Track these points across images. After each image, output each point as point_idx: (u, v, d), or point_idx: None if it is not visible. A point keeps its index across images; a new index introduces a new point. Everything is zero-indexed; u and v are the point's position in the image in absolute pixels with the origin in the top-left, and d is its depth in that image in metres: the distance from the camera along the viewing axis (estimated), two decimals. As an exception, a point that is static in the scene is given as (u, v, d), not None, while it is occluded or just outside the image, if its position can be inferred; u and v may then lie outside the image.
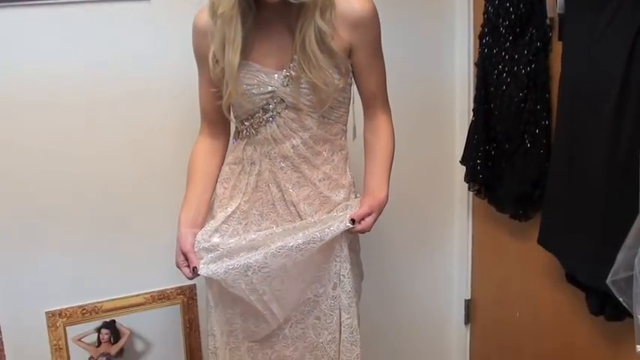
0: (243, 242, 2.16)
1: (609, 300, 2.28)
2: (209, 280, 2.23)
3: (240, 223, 2.22)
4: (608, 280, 1.99)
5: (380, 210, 2.17)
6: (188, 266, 2.18)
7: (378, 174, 2.22)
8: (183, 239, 2.20)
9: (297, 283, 2.19)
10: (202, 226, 2.24)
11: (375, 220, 2.15)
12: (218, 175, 2.30)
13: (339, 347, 2.28)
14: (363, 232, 2.14)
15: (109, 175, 2.68)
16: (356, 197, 2.26)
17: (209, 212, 2.27)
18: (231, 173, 2.26)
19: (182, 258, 2.20)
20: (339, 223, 2.10)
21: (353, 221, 2.09)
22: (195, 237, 2.20)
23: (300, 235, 2.11)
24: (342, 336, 2.26)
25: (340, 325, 2.25)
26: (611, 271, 1.98)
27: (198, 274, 2.15)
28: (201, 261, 2.16)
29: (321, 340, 2.27)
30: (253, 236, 2.17)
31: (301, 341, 2.28)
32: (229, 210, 2.23)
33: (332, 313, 2.24)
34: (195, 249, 2.18)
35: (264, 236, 2.16)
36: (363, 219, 2.12)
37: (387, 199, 2.19)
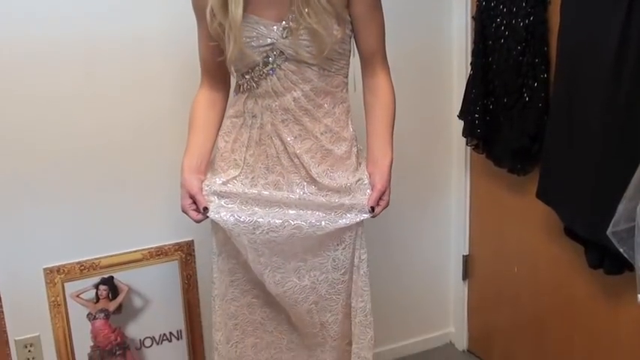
0: (256, 192, 2.18)
1: (608, 253, 2.32)
2: (215, 227, 2.24)
3: (247, 177, 2.22)
4: (609, 232, 2.01)
5: (389, 178, 2.23)
6: (196, 209, 2.19)
7: (380, 137, 2.24)
8: (188, 183, 2.20)
9: (295, 260, 2.24)
10: (205, 173, 2.25)
11: (389, 192, 2.22)
12: (219, 127, 2.30)
13: (341, 327, 2.35)
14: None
15: (107, 130, 2.66)
16: (359, 154, 2.27)
17: (210, 165, 2.27)
18: (232, 126, 2.25)
19: (189, 201, 2.20)
20: (357, 212, 2.17)
21: (372, 209, 2.17)
22: (200, 182, 2.21)
23: (318, 214, 2.16)
24: (356, 319, 2.30)
25: (352, 308, 2.30)
26: (612, 222, 2.01)
27: (207, 216, 2.17)
28: (211, 204, 2.18)
29: (320, 320, 2.33)
30: (266, 193, 2.18)
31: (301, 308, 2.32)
32: (234, 172, 2.23)
33: (336, 297, 2.30)
34: (204, 192, 2.20)
35: (280, 197, 2.18)
36: (379, 201, 2.19)
37: (393, 161, 2.23)
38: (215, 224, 2.21)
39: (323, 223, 2.15)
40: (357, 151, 2.26)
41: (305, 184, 2.19)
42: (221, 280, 2.32)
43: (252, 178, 2.21)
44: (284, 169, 2.19)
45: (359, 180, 2.22)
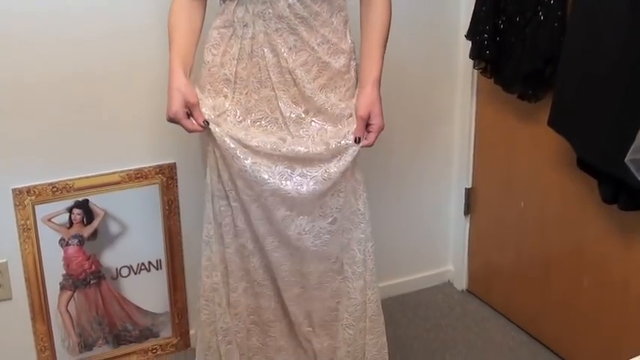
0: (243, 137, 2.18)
1: (624, 187, 2.32)
2: (210, 146, 2.24)
3: (242, 93, 2.18)
4: (627, 159, 2.02)
5: (377, 99, 2.21)
6: (189, 118, 2.18)
7: (368, 55, 2.22)
8: (187, 89, 2.16)
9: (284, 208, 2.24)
10: (191, 67, 2.22)
11: (380, 113, 2.22)
12: (199, 36, 2.25)
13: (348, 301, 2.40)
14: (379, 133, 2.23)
15: (82, 44, 2.60)
16: (358, 69, 2.26)
17: (196, 82, 2.23)
18: (220, 38, 2.19)
19: (184, 108, 2.16)
20: (349, 153, 2.20)
21: (358, 139, 2.18)
22: (195, 93, 2.19)
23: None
24: (368, 313, 2.39)
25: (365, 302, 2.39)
26: (631, 149, 2.01)
27: (205, 127, 2.16)
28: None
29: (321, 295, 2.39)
30: (254, 143, 2.17)
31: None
32: (224, 103, 2.20)
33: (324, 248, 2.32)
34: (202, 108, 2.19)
35: (272, 148, 2.17)
36: (364, 129, 2.21)
37: (379, 83, 2.21)
38: (209, 145, 2.21)
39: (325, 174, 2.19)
40: (356, 65, 2.24)
41: (293, 105, 2.17)
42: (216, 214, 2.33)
43: (247, 93, 2.18)
44: (273, 85, 2.15)
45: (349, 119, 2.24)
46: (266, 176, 2.16)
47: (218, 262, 2.34)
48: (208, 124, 2.15)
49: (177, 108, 2.15)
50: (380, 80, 2.21)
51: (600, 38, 2.27)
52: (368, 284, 2.37)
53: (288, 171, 2.18)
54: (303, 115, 2.17)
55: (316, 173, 2.18)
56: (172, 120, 2.16)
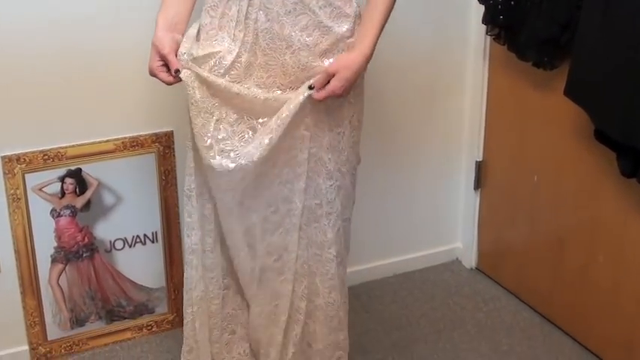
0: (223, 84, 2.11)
1: None
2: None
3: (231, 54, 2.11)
4: None
5: (355, 69, 2.08)
6: (167, 71, 2.14)
7: (365, 24, 2.12)
8: (159, 42, 2.13)
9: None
10: (182, 33, 2.17)
11: (346, 81, 2.07)
12: None
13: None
14: (331, 96, 2.08)
15: (77, 16, 2.57)
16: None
17: (193, 42, 2.17)
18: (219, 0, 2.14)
19: (158, 62, 2.14)
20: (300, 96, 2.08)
21: (311, 87, 2.07)
22: (174, 42, 2.14)
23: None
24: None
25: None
26: None
27: (180, 79, 2.11)
28: (184, 71, 2.12)
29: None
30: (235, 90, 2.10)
31: None
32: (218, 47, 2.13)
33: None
34: (181, 59, 2.13)
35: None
36: (324, 84, 2.07)
37: (367, 56, 2.09)
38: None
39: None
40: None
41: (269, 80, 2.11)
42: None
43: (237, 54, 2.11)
44: (260, 50, 2.08)
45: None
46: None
47: (197, 219, 2.30)
48: (179, 72, 2.10)
49: (151, 63, 2.15)
50: (370, 52, 2.09)
51: (621, 3, 2.23)
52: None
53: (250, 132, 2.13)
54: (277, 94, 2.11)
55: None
56: (152, 75, 2.16)
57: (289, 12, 2.05)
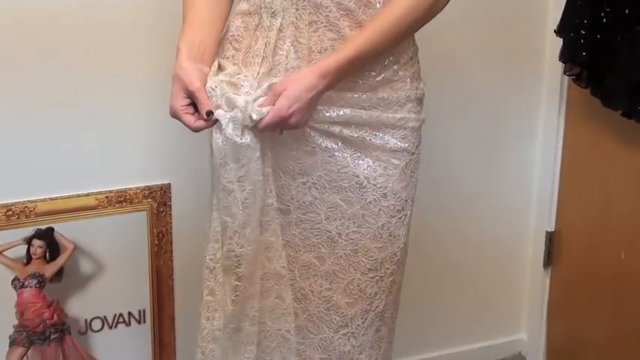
0: None
1: None
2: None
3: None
4: None
5: (306, 84, 1.89)
6: (193, 113, 1.93)
7: (354, 36, 1.96)
8: (186, 74, 1.92)
9: None
10: (210, 65, 2.00)
11: (295, 100, 1.88)
12: (229, 10, 2.09)
13: None
14: (278, 122, 1.90)
15: (56, 23, 2.43)
16: (415, 77, 2.08)
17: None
18: (244, 28, 2.03)
19: (184, 100, 1.93)
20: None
21: (210, 113, 1.90)
22: (204, 77, 1.95)
23: None
24: None
25: None
26: None
27: (213, 121, 1.91)
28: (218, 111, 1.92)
29: None
30: None
31: None
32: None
33: None
34: (210, 93, 1.94)
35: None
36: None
37: (323, 71, 1.90)
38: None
39: None
40: (414, 72, 2.06)
41: None
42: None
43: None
44: None
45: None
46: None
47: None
48: (212, 114, 1.89)
49: (174, 101, 1.96)
50: (329, 69, 1.89)
51: None
52: None
53: None
54: None
55: None
56: (174, 117, 1.98)
57: (325, 50, 1.95)
